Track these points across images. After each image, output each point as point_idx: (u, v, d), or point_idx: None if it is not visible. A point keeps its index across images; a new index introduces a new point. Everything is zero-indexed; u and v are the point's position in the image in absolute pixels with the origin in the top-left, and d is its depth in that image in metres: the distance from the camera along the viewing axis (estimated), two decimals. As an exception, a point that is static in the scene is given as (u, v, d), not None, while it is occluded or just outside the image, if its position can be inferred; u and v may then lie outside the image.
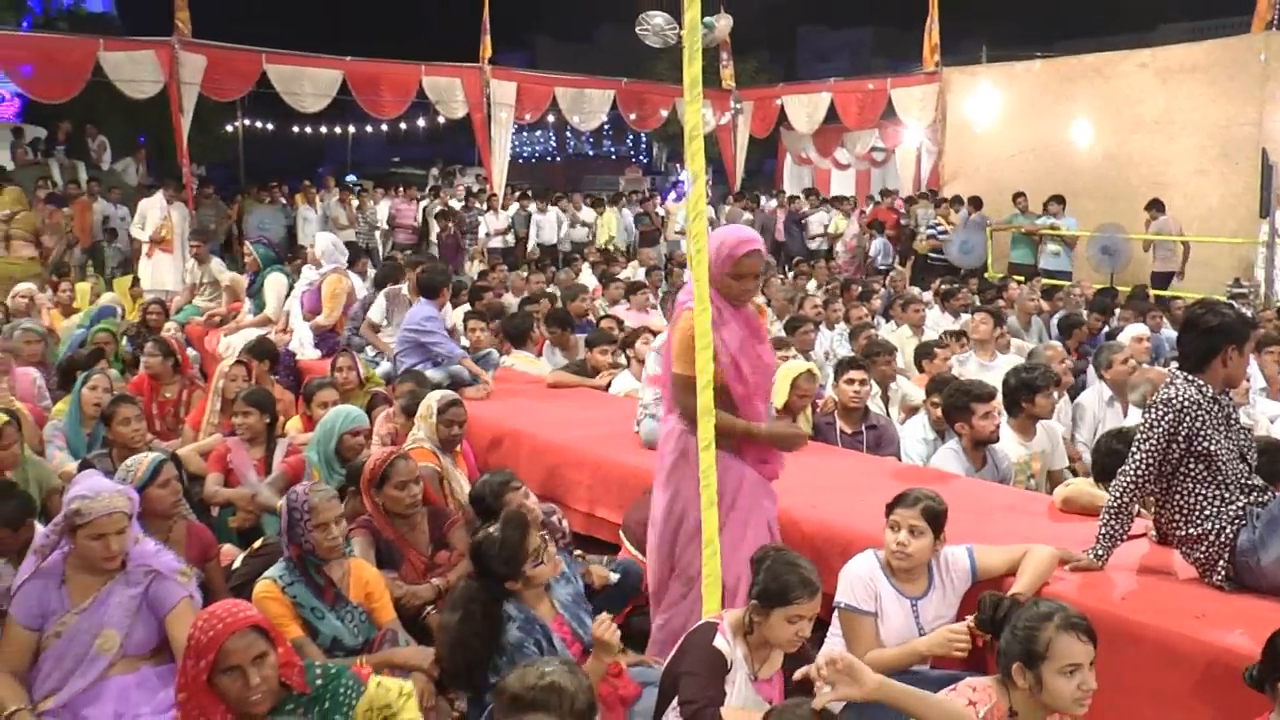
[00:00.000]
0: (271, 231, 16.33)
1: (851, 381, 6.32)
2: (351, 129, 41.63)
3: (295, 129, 36.87)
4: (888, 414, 7.09)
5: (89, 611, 3.71)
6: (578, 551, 5.05)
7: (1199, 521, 3.76)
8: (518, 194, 19.77)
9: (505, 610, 3.85)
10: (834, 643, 4.04)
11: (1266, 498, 3.74)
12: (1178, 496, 3.82)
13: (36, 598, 3.72)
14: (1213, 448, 3.72)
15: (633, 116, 21.35)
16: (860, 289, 11.46)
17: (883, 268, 16.30)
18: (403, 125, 30.89)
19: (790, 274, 14.71)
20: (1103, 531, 3.93)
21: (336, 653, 3.97)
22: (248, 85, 17.12)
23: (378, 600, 4.19)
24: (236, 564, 5.02)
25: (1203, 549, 3.77)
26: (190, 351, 9.11)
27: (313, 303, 8.86)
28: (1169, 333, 9.22)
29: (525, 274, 13.81)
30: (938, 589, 3.95)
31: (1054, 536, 4.21)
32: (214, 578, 4.68)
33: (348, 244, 11.93)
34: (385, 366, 7.81)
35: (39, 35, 20.15)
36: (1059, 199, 14.99)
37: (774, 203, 21.03)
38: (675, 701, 3.43)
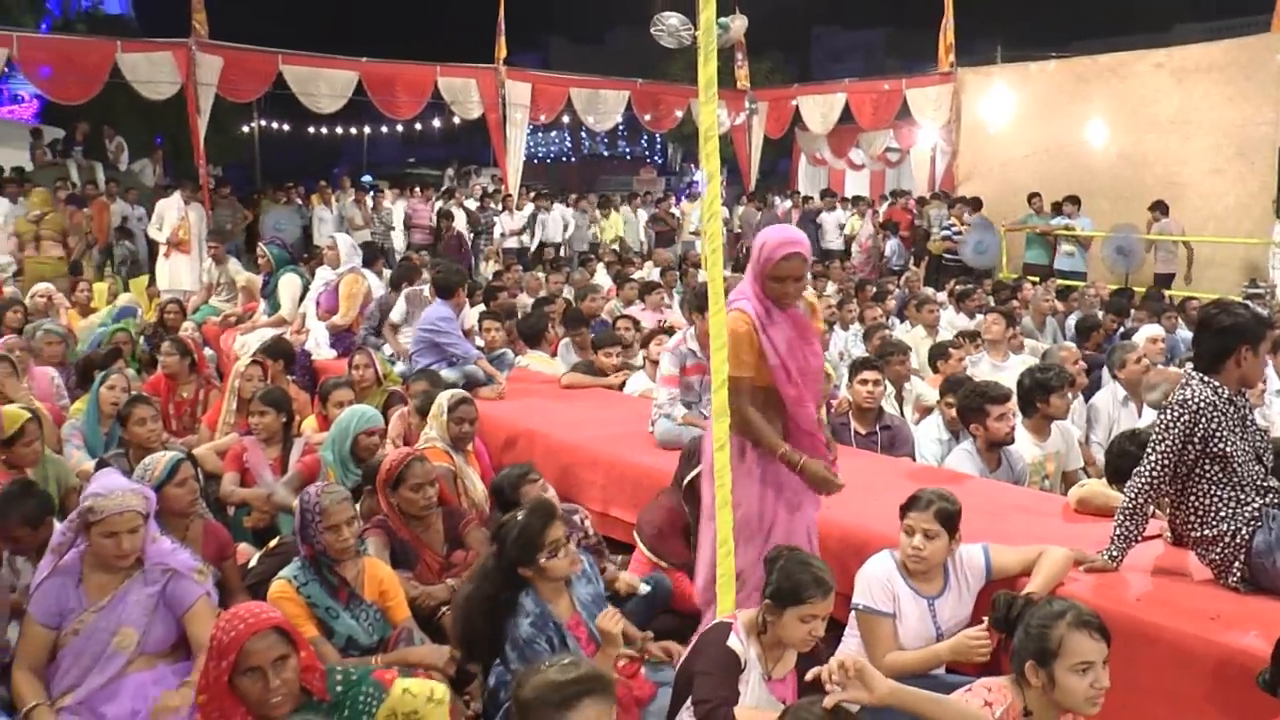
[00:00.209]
0: (287, 232, 16.40)
1: (866, 382, 6.32)
2: (367, 130, 41.63)
3: (311, 130, 36.89)
4: (902, 414, 7.08)
5: (106, 610, 3.72)
6: (608, 563, 5.06)
7: (1214, 523, 3.75)
8: (532, 194, 19.79)
9: (521, 602, 3.84)
10: (851, 643, 4.04)
11: (1283, 499, 3.73)
12: (1193, 498, 3.81)
13: (55, 596, 3.74)
14: (1228, 449, 3.70)
15: (647, 117, 21.32)
16: (875, 289, 11.44)
17: (897, 268, 16.28)
18: (418, 126, 30.87)
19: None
20: (1117, 532, 3.92)
21: (351, 651, 3.98)
22: (264, 86, 17.18)
23: (392, 599, 4.19)
24: (253, 563, 5.05)
25: (1218, 550, 3.75)
26: (207, 351, 9.16)
27: (329, 302, 8.89)
28: (1184, 333, 9.18)
29: (541, 274, 13.84)
30: (954, 588, 3.96)
31: (1068, 537, 4.21)
32: (230, 576, 4.70)
33: (366, 244, 11.99)
34: (403, 366, 7.83)
35: (58, 37, 20.23)
36: (1074, 199, 14.94)
37: (788, 203, 21.01)
38: (689, 701, 3.43)
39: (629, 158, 51.30)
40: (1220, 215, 14.61)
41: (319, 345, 8.86)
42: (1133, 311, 10.30)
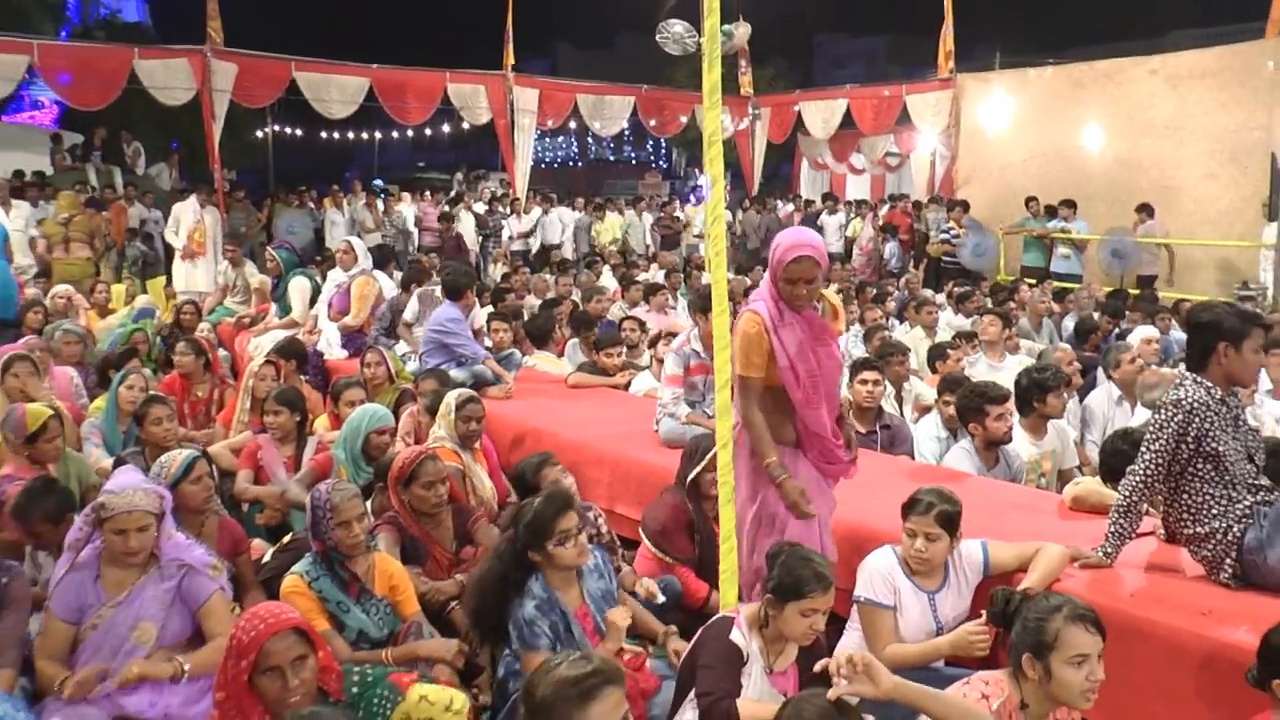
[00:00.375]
0: (300, 234, 16.45)
1: (866, 382, 6.32)
2: (378, 134, 41.63)
3: (323, 134, 36.89)
4: (901, 414, 7.09)
5: (124, 605, 3.75)
6: (621, 563, 5.06)
7: (1207, 520, 3.75)
8: (540, 198, 19.83)
9: (529, 585, 3.85)
10: (852, 636, 4.06)
11: (1273, 497, 3.73)
12: (1186, 496, 3.81)
13: (74, 591, 3.76)
14: (1221, 448, 3.71)
15: (652, 122, 21.32)
16: (875, 291, 11.44)
17: (896, 270, 16.27)
18: (428, 131, 30.87)
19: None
20: (1112, 530, 3.92)
21: (362, 645, 3.99)
22: (277, 92, 17.22)
23: (402, 593, 4.20)
24: (266, 558, 5.06)
25: (1210, 547, 3.75)
26: (221, 351, 9.19)
27: (341, 304, 8.91)
28: (1178, 334, 9.17)
29: (549, 276, 13.85)
30: (953, 583, 3.98)
31: (1064, 534, 4.22)
32: (244, 571, 4.71)
33: (379, 247, 12.02)
34: (416, 364, 7.84)
35: (77, 44, 20.30)
36: (1070, 203, 14.95)
37: (790, 206, 21.02)
38: (693, 693, 3.44)
39: (634, 162, 51.24)
40: (1214, 219, 14.59)
41: (331, 345, 8.89)
42: (1126, 313, 10.29)
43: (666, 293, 11.50)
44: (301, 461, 6.03)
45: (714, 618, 3.67)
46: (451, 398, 5.93)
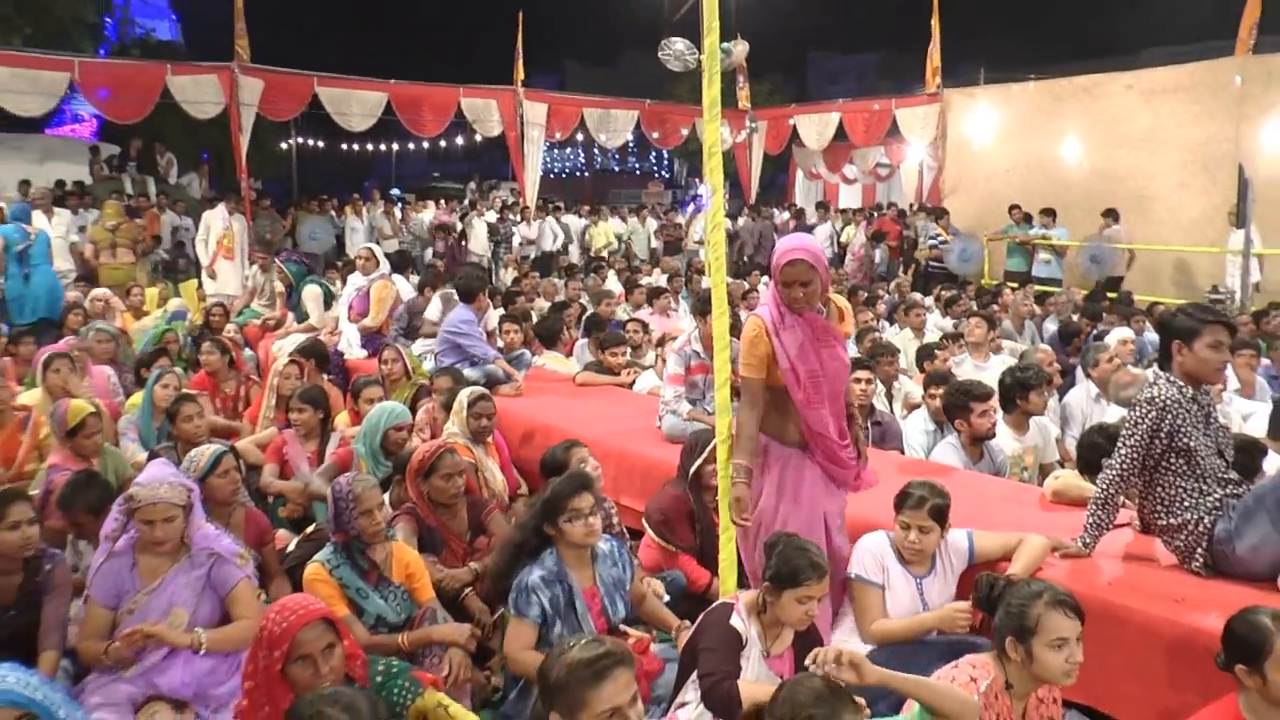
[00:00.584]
0: (322, 240, 16.49)
1: (858, 380, 6.31)
2: (395, 146, 41.72)
3: (344, 146, 37.01)
4: (891, 411, 7.09)
5: (158, 591, 3.77)
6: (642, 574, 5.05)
7: (1179, 512, 3.75)
8: (537, 207, 19.85)
9: (542, 556, 3.91)
10: (845, 622, 4.08)
11: (1241, 490, 3.74)
12: (1159, 489, 3.82)
13: (111, 578, 3.78)
14: (1192, 444, 3.71)
15: (655, 135, 21.33)
16: (866, 295, 11.43)
17: (885, 275, 16.27)
18: (442, 143, 30.95)
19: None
20: (1090, 521, 3.93)
21: (380, 629, 4.00)
22: (301, 106, 17.21)
23: (418, 580, 4.21)
24: (290, 548, 5.07)
25: (1182, 538, 3.76)
26: (247, 351, 9.21)
27: (361, 306, 8.92)
28: (1151, 335, 9.16)
29: (558, 280, 13.86)
30: (940, 570, 4.02)
31: (1045, 525, 4.22)
32: (269, 560, 4.73)
33: (398, 252, 12.01)
34: (431, 364, 7.84)
35: (114, 62, 20.38)
36: (1049, 211, 14.98)
37: (786, 214, 21.02)
38: (695, 674, 3.45)
39: (638, 172, 51.20)
40: (1185, 226, 14.62)
41: (351, 346, 8.90)
42: (1104, 315, 10.28)
43: (669, 296, 11.50)
44: (324, 456, 6.03)
45: (715, 604, 3.67)
46: (464, 395, 5.93)
